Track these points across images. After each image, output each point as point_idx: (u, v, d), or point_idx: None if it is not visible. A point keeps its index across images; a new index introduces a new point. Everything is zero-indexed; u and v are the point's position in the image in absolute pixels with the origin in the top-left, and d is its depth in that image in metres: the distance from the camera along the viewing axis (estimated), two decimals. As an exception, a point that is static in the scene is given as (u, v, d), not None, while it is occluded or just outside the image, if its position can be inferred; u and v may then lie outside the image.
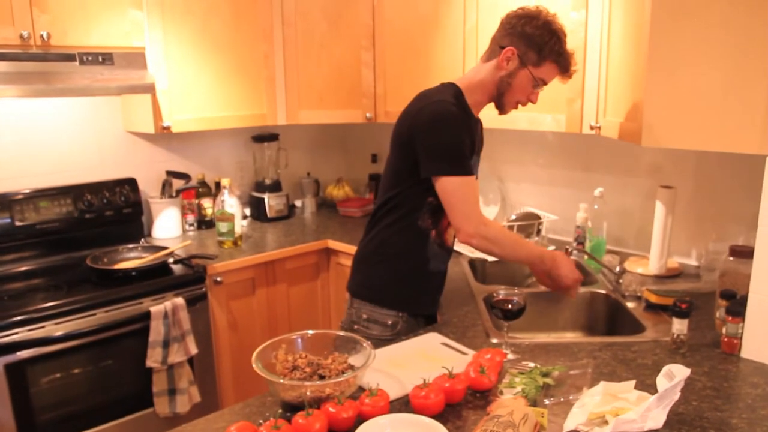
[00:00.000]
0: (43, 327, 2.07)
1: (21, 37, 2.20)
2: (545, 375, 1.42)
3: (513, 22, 1.73)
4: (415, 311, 1.88)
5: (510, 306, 1.57)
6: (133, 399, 2.29)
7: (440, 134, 1.66)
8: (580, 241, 2.46)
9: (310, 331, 1.46)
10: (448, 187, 1.66)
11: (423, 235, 1.80)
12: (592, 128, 2.19)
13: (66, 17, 2.31)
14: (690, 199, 2.30)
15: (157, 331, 2.23)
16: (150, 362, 2.23)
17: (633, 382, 1.33)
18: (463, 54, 2.55)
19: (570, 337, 2.10)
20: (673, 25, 1.66)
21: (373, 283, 1.87)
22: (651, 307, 1.93)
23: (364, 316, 1.85)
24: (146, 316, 2.22)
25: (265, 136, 3.19)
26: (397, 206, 1.80)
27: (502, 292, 1.60)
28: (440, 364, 1.40)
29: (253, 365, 1.31)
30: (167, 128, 2.61)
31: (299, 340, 1.44)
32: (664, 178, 2.35)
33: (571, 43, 2.18)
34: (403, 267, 1.84)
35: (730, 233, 2.21)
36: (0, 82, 2.15)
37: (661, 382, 1.29)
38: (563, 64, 1.74)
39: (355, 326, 1.85)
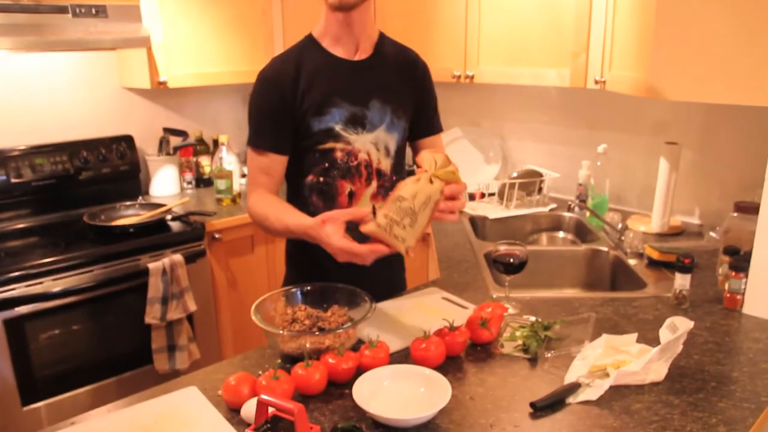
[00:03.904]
0: (41, 283, 2.05)
1: (11, -13, 2.14)
2: (546, 328, 1.41)
3: None
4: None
5: (511, 260, 1.55)
6: (132, 355, 2.29)
7: (248, 103, 1.54)
8: (582, 199, 2.43)
9: (309, 286, 1.45)
10: None
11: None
12: (596, 82, 2.14)
13: (57, -33, 2.24)
14: (695, 156, 2.27)
15: (155, 287, 2.22)
16: (149, 319, 2.23)
17: (635, 335, 1.32)
18: (465, 10, 2.48)
19: (571, 292, 2.09)
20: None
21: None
22: (653, 263, 1.91)
23: None
24: (144, 272, 2.21)
25: (263, 94, 3.13)
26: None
27: (503, 247, 1.58)
28: (440, 318, 1.39)
29: (252, 317, 1.29)
30: (163, 83, 2.56)
31: (298, 292, 1.42)
32: (670, 135, 2.31)
33: (577, -5, 2.14)
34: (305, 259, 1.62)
35: (735, 191, 2.18)
36: (-10, 34, 2.10)
37: (664, 334, 1.28)
38: None
39: None
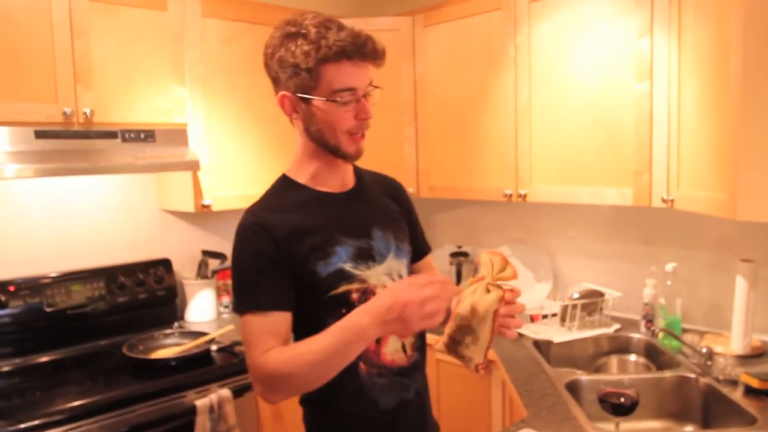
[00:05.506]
0: (79, 426, 1.87)
1: (64, 114, 2.12)
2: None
3: (264, 61, 1.31)
4: None
5: (622, 400, 1.41)
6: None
7: (231, 264, 1.32)
8: (649, 319, 2.32)
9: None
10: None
11: (348, 369, 1.21)
12: (664, 201, 2.09)
13: (109, 94, 2.24)
14: (765, 272, 2.17)
15: (202, 427, 2.03)
16: (194, 463, 2.02)
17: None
18: (515, 130, 2.48)
19: (660, 425, 1.92)
20: (768, 92, 1.59)
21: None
22: (752, 392, 1.77)
23: None
24: (191, 411, 2.03)
25: (300, 213, 3.08)
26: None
27: (603, 380, 1.45)
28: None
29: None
30: (207, 206, 2.49)
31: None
32: (735, 251, 2.23)
33: (637, 115, 2.14)
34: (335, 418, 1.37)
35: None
36: (40, 160, 2.05)
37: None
38: (338, 48, 1.21)
39: None
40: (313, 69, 1.22)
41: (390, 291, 1.13)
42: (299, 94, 1.26)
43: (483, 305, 1.16)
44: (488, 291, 1.17)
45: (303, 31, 1.23)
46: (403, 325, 1.10)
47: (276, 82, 1.30)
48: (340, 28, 1.24)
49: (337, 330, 1.15)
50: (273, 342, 1.22)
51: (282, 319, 1.25)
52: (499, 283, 1.18)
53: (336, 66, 1.22)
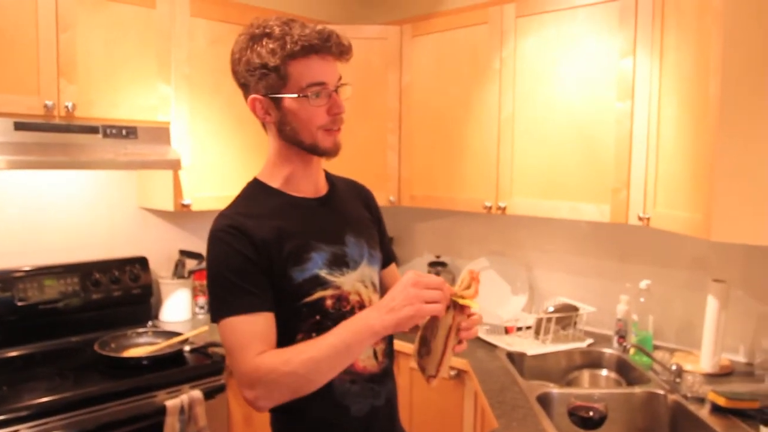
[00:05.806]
0: (46, 423, 1.84)
1: (45, 106, 2.10)
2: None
3: (232, 68, 1.31)
4: None
5: (591, 414, 1.43)
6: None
7: (207, 270, 1.29)
8: (622, 335, 2.35)
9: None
10: (220, 335, 1.24)
11: None
12: (640, 219, 2.12)
13: (93, 88, 2.22)
14: (736, 292, 2.22)
15: (172, 428, 2.01)
16: (161, 464, 2.00)
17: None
18: (497, 143, 2.50)
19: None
20: (745, 113, 1.63)
21: None
22: (718, 410, 1.79)
23: None
24: (160, 411, 2.01)
25: (280, 216, 3.07)
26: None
27: (573, 394, 1.46)
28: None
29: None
30: (187, 206, 2.48)
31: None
32: (709, 271, 2.27)
33: (617, 133, 2.17)
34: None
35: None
36: (19, 152, 2.03)
37: None
38: (304, 43, 1.22)
39: None
40: (280, 67, 1.23)
41: (392, 288, 1.17)
42: (270, 95, 1.26)
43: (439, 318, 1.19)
44: (447, 307, 1.18)
45: (267, 30, 1.24)
46: (412, 308, 1.11)
47: (245, 87, 1.30)
48: (304, 25, 1.25)
49: (342, 327, 1.17)
50: (262, 346, 1.19)
51: (267, 321, 1.22)
52: (457, 299, 1.18)
53: (303, 61, 1.23)
